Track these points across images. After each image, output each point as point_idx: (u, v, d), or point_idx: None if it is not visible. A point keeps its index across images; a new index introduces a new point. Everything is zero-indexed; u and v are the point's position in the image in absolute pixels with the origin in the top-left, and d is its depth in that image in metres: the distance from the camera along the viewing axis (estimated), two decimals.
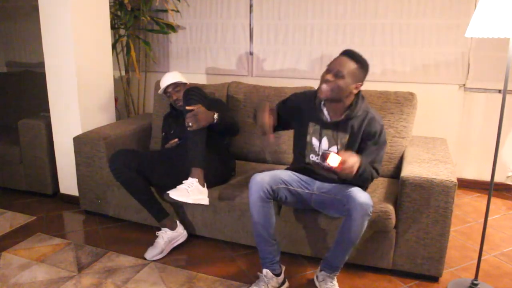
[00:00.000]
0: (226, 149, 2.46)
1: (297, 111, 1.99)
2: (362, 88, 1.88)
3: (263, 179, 1.82)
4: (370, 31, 3.05)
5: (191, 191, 2.00)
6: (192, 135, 2.09)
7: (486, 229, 1.88)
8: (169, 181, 2.28)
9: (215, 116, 2.14)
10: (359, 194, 1.72)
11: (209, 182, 2.14)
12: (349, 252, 1.82)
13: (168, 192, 1.98)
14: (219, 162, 2.30)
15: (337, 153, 1.72)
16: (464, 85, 2.98)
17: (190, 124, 2.06)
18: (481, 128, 3.02)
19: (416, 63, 3.01)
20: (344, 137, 1.88)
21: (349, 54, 1.80)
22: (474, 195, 3.02)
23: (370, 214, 1.73)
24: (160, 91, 2.55)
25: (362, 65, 1.81)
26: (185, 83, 2.54)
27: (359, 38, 3.08)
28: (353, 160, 1.67)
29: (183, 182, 2.04)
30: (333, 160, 1.65)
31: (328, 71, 1.79)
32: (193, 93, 2.18)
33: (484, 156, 3.04)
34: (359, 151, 1.85)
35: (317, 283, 1.92)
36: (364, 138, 1.86)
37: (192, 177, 2.05)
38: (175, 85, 2.50)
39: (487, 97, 2.96)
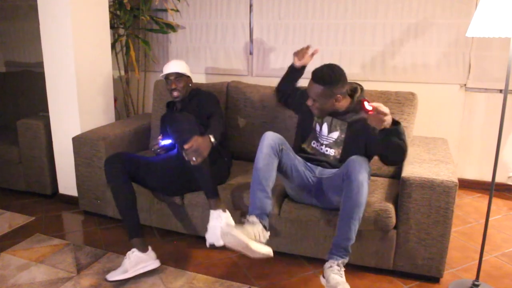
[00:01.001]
0: (218, 149, 2.33)
1: (304, 103, 2.09)
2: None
3: (277, 135, 1.92)
4: (371, 31, 3.04)
5: (224, 224, 1.97)
6: (197, 167, 2.02)
7: (487, 230, 1.87)
8: (163, 187, 2.29)
9: (212, 140, 2.05)
10: (357, 159, 1.79)
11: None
12: (356, 227, 1.76)
13: (210, 243, 1.99)
14: (212, 163, 2.16)
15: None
16: (465, 85, 2.97)
17: (194, 159, 1.96)
18: (482, 128, 3.01)
19: (417, 63, 3.00)
20: (344, 124, 2.01)
21: (314, 78, 1.94)
22: (475, 196, 3.01)
23: (369, 174, 1.77)
24: (161, 76, 2.48)
25: (330, 84, 1.92)
26: (188, 76, 2.47)
27: (360, 37, 3.07)
28: (387, 109, 1.69)
29: (210, 219, 2.03)
30: (367, 105, 1.69)
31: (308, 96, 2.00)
32: (181, 124, 2.07)
33: (485, 156, 3.03)
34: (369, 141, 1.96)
35: (324, 272, 1.82)
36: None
37: (215, 209, 2.04)
38: (178, 75, 2.43)
39: (488, 97, 2.95)
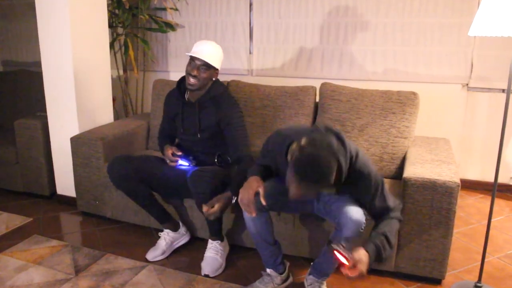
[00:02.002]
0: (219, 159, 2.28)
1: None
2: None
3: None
4: (372, 30, 3.02)
5: (220, 255, 2.12)
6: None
7: (490, 231, 1.86)
8: (169, 188, 2.26)
9: (233, 201, 1.95)
10: (351, 209, 1.61)
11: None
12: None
13: (205, 273, 2.05)
14: (219, 177, 2.04)
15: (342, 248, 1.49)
16: (467, 84, 2.94)
17: (210, 217, 1.95)
18: (485, 128, 2.99)
19: (419, 62, 2.98)
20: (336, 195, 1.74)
21: (302, 178, 1.45)
22: (478, 196, 2.99)
23: (362, 230, 1.61)
24: (188, 53, 2.10)
25: (322, 182, 1.46)
26: (216, 69, 2.14)
27: (361, 37, 3.05)
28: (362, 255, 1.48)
29: (207, 248, 2.13)
30: (341, 258, 1.48)
31: None
32: (202, 188, 1.96)
33: (488, 157, 3.01)
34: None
35: (306, 287, 1.91)
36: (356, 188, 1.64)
37: (214, 240, 2.14)
38: (207, 65, 2.07)
39: (491, 96, 2.93)
